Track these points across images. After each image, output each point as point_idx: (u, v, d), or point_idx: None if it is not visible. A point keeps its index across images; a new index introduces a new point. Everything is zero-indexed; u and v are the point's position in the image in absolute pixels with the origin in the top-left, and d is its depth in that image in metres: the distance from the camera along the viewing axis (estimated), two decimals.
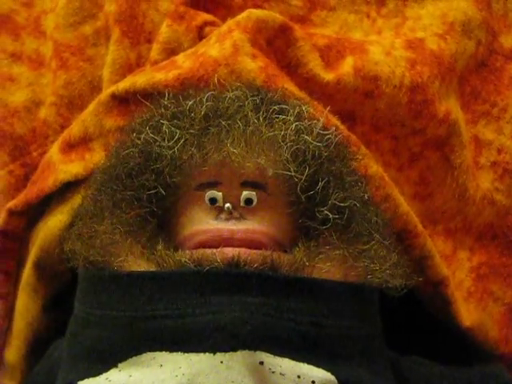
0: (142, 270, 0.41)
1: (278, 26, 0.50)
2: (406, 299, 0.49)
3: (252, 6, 0.55)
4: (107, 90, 0.51)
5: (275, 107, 0.43)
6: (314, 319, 0.39)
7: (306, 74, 0.50)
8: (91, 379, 0.39)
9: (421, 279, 0.49)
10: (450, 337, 0.54)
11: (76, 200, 0.50)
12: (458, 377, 0.48)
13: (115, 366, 0.39)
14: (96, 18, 0.58)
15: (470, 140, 0.55)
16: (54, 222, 0.50)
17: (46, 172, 0.52)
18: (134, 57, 0.55)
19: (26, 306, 0.52)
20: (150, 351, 0.38)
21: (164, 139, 0.42)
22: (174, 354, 0.37)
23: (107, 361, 0.39)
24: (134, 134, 0.44)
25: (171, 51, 0.52)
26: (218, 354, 0.36)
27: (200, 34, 0.52)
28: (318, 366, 0.38)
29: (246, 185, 0.41)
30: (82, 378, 0.39)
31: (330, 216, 0.41)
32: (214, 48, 0.48)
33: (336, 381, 0.38)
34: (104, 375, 0.39)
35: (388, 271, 0.44)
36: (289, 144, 0.41)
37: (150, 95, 0.48)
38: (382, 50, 0.52)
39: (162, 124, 0.42)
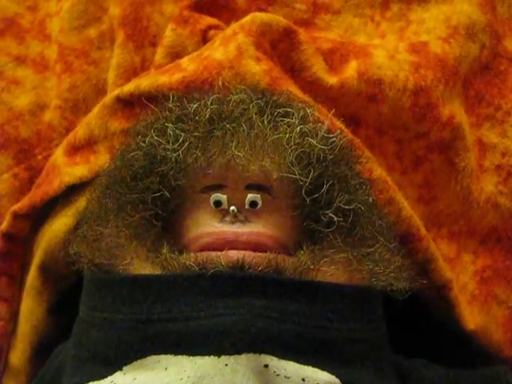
0: (147, 273, 0.41)
1: (282, 30, 0.50)
2: (410, 302, 0.49)
3: (256, 10, 0.55)
4: (112, 93, 0.51)
5: (280, 110, 0.43)
6: (318, 322, 0.39)
7: (310, 77, 0.50)
8: (96, 382, 0.39)
9: (425, 282, 0.49)
10: (454, 340, 0.53)
11: (81, 203, 0.50)
12: (461, 379, 0.47)
13: (120, 369, 0.39)
14: (101, 21, 0.59)
15: (474, 143, 0.55)
16: (59, 225, 0.50)
17: (51, 175, 0.52)
18: (139, 60, 0.55)
19: (30, 309, 0.53)
20: (154, 354, 0.38)
21: (169, 142, 0.42)
22: (179, 356, 0.37)
23: (112, 364, 0.39)
24: (139, 137, 0.44)
25: (176, 55, 0.52)
26: (223, 357, 0.36)
27: (204, 38, 0.52)
28: (322, 368, 0.38)
29: (251, 188, 0.41)
30: (87, 381, 0.39)
31: (335, 219, 0.41)
32: (219, 51, 0.48)
33: None
34: (109, 378, 0.39)
35: (392, 274, 0.44)
36: (293, 147, 0.41)
37: (154, 98, 0.48)
38: (386, 53, 0.52)
39: (167, 127, 0.42)
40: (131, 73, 0.55)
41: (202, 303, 0.38)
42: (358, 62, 0.50)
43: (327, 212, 0.41)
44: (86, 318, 0.44)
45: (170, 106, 0.45)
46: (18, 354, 0.54)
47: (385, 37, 0.56)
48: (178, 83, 0.47)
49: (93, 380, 0.39)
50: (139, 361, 0.38)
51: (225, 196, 0.41)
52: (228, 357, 0.36)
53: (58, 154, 0.52)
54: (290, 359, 0.37)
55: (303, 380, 0.37)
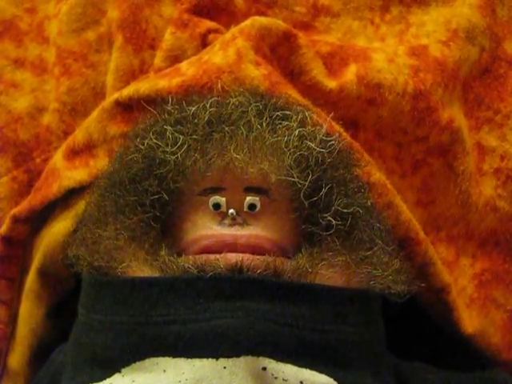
0: (146, 275, 0.41)
1: (281, 34, 0.50)
2: (409, 306, 0.50)
3: (256, 13, 0.55)
4: (111, 97, 0.51)
5: (278, 113, 0.43)
6: (316, 325, 0.39)
7: (309, 81, 0.50)
8: None
9: (423, 285, 0.49)
10: (453, 343, 0.54)
11: (80, 206, 0.50)
12: (459, 382, 0.48)
13: (118, 371, 0.39)
14: (99, 24, 0.58)
15: (473, 147, 0.55)
16: (58, 228, 0.50)
17: (50, 178, 0.52)
18: (138, 63, 0.55)
19: (29, 312, 0.53)
20: (153, 356, 0.38)
21: (168, 145, 0.42)
22: (177, 359, 0.37)
23: (110, 366, 0.39)
24: (138, 140, 0.44)
25: (175, 59, 0.52)
26: (221, 360, 0.37)
27: (204, 42, 0.52)
28: (320, 371, 0.38)
29: (250, 190, 0.41)
30: None
31: (333, 222, 0.41)
32: (218, 55, 0.48)
33: None
34: (107, 380, 0.39)
35: (390, 277, 0.44)
36: (292, 150, 0.41)
37: (153, 102, 0.48)
38: (385, 57, 0.52)
39: (166, 130, 0.42)
40: (130, 76, 0.55)
41: (201, 306, 0.38)
42: (358, 66, 0.50)
43: (325, 215, 0.41)
44: (84, 321, 0.44)
45: (169, 108, 0.45)
46: (17, 357, 0.54)
47: (384, 40, 0.56)
48: (178, 87, 0.47)
49: (91, 382, 0.39)
50: (138, 363, 0.38)
51: (224, 199, 0.41)
52: (226, 359, 0.36)
53: (58, 158, 0.52)
54: (288, 362, 0.37)
55: (301, 383, 0.37)
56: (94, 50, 0.58)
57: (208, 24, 0.53)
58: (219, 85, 0.46)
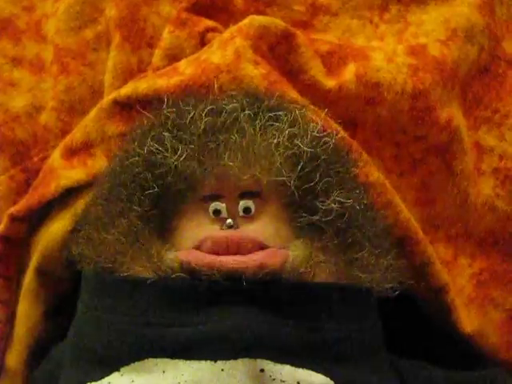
0: (148, 277, 0.41)
1: (280, 33, 0.50)
2: (407, 305, 0.50)
3: (254, 12, 0.55)
4: (109, 96, 0.51)
5: (271, 114, 0.44)
6: (312, 325, 0.39)
7: (308, 80, 0.50)
8: (93, 383, 0.39)
9: (423, 284, 0.50)
10: (451, 343, 0.54)
11: (78, 206, 0.50)
12: (457, 380, 0.48)
13: (117, 369, 0.39)
14: (97, 22, 0.58)
15: (471, 146, 0.55)
16: (56, 227, 0.50)
17: (48, 178, 0.52)
18: (135, 61, 0.55)
19: (27, 311, 0.52)
20: (152, 357, 0.38)
21: (167, 150, 0.42)
22: (176, 360, 0.37)
23: (109, 364, 0.39)
24: (137, 144, 0.44)
25: (173, 57, 0.52)
26: (219, 362, 0.37)
27: (202, 40, 0.52)
28: (317, 371, 0.38)
29: (244, 195, 0.42)
30: (85, 382, 0.40)
31: (328, 217, 0.42)
32: (216, 54, 0.48)
33: None
34: (106, 379, 0.39)
35: (377, 275, 0.44)
36: (281, 151, 0.42)
37: (151, 101, 0.48)
38: (384, 56, 0.52)
39: (164, 136, 0.43)
40: (127, 74, 0.55)
41: (199, 309, 0.39)
42: (357, 65, 0.50)
43: (322, 206, 0.42)
44: (85, 318, 0.44)
45: (166, 112, 0.45)
46: (15, 356, 0.53)
47: (383, 39, 0.56)
48: (176, 87, 0.47)
49: (90, 380, 0.39)
50: (137, 363, 0.38)
51: (224, 205, 0.42)
52: (224, 362, 0.37)
53: (55, 157, 0.52)
54: (285, 363, 0.37)
55: (298, 383, 0.37)
56: (92, 48, 0.58)
57: (206, 23, 0.53)
58: (217, 84, 0.47)
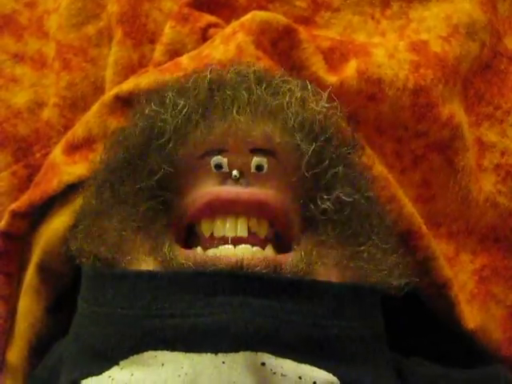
0: (149, 269, 0.41)
1: (282, 28, 0.50)
2: (410, 301, 0.50)
3: (256, 7, 0.54)
4: (111, 92, 0.51)
5: (278, 80, 0.43)
6: (315, 320, 0.39)
7: (310, 76, 0.50)
8: (94, 378, 0.39)
9: (425, 280, 0.49)
10: (454, 339, 0.54)
11: (80, 202, 0.49)
12: (460, 378, 0.47)
13: (116, 363, 0.39)
14: (99, 18, 0.59)
15: (473, 142, 0.55)
16: (58, 223, 0.50)
17: (50, 173, 0.52)
18: (137, 57, 0.55)
19: (28, 307, 0.52)
20: (151, 350, 0.38)
21: (167, 111, 0.42)
22: (176, 353, 0.37)
23: (109, 358, 0.39)
24: (136, 116, 0.44)
25: (175, 52, 0.52)
26: (220, 355, 0.37)
27: (204, 36, 0.52)
28: (319, 367, 0.38)
29: (256, 151, 0.41)
30: (85, 377, 0.40)
31: (332, 207, 0.41)
32: (219, 50, 0.48)
33: (338, 382, 0.38)
34: (106, 373, 0.39)
35: (384, 272, 0.44)
36: (294, 111, 0.41)
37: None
38: (386, 52, 0.52)
39: (166, 97, 0.42)
40: (129, 70, 0.55)
41: (201, 301, 0.38)
42: (358, 61, 0.50)
43: (323, 202, 0.41)
44: (84, 313, 0.44)
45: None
46: (16, 352, 0.53)
47: (385, 35, 0.56)
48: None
49: (90, 375, 0.39)
50: (136, 356, 0.38)
51: (225, 159, 0.41)
52: (225, 354, 0.37)
53: (57, 153, 0.52)
54: (287, 357, 0.37)
55: (300, 378, 0.37)
56: (94, 44, 0.58)
57: (208, 18, 0.53)
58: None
